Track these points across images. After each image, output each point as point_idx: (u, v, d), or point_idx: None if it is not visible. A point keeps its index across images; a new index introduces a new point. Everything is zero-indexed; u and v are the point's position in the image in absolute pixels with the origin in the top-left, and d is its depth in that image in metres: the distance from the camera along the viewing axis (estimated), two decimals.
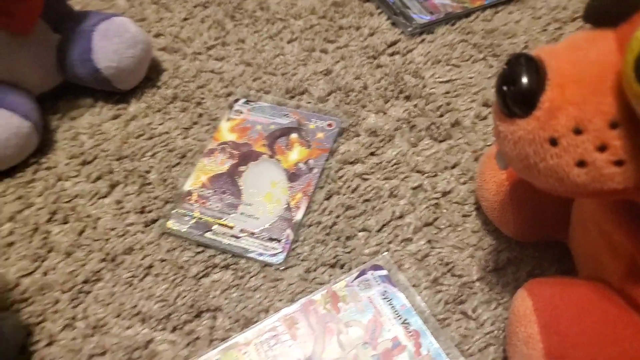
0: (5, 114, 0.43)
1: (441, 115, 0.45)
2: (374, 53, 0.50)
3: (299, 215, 0.39)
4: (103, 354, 0.35)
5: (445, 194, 0.40)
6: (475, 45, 0.50)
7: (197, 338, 0.35)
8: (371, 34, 0.52)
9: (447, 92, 0.46)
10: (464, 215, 0.39)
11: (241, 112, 0.46)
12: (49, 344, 0.36)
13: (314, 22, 0.54)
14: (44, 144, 0.47)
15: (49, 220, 0.42)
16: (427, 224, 0.39)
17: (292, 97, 0.47)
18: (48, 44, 0.46)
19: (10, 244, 0.41)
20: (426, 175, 0.41)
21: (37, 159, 0.46)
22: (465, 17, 0.52)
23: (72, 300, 0.38)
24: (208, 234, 0.39)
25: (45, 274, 0.39)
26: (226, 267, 0.38)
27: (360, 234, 0.39)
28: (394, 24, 0.53)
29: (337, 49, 0.51)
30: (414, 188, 0.41)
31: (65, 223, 0.42)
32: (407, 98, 0.46)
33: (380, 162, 0.42)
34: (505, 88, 0.24)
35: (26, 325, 0.36)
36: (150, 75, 0.50)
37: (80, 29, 0.46)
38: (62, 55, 0.46)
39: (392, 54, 0.50)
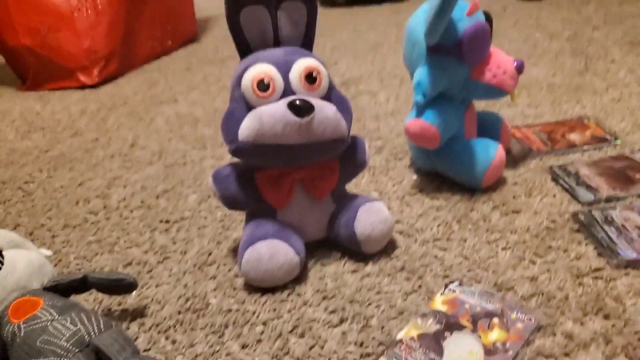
0: (287, 247, 0.60)
1: None
2: (578, 273, 0.57)
3: None
4: None
5: None
6: None
7: None
8: (577, 258, 0.60)
9: None
10: None
11: (454, 292, 0.57)
12: None
13: (527, 238, 0.64)
14: (300, 276, 0.63)
15: (290, 332, 0.55)
16: None
17: (499, 291, 0.57)
18: (327, 210, 0.65)
19: (259, 341, 0.54)
20: None
21: (293, 285, 0.62)
22: None
23: None
24: None
25: None
26: None
27: None
28: (600, 254, 0.60)
29: (544, 263, 0.60)
30: None
31: (302, 337, 0.55)
32: (606, 317, 0.52)
33: None
34: None
35: None
36: (387, 249, 0.65)
37: (351, 204, 0.64)
38: (333, 219, 0.65)
39: (595, 278, 0.57)
